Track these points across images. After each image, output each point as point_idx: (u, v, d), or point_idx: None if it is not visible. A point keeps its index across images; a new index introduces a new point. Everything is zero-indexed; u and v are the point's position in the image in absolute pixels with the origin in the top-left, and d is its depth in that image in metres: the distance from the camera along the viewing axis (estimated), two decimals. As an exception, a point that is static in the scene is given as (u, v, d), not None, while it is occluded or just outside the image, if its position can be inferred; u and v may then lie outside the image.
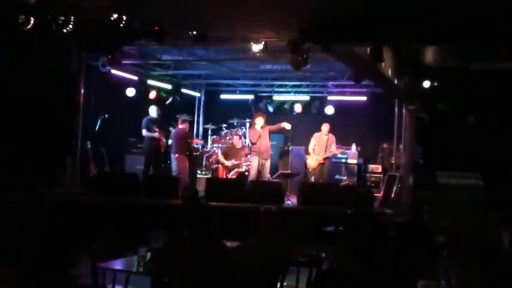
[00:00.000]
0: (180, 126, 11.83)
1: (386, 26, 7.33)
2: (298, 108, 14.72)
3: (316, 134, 12.21)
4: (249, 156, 11.76)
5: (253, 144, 11.18)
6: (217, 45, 9.86)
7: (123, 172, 11.81)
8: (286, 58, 9.34)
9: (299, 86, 14.86)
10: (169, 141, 11.82)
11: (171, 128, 12.10)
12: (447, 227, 6.19)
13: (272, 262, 4.76)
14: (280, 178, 11.60)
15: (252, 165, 11.20)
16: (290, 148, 13.02)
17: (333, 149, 11.97)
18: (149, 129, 11.23)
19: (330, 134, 12.11)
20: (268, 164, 11.29)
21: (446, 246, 5.32)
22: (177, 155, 11.51)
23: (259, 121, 11.20)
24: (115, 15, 7.41)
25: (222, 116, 14.23)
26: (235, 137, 12.37)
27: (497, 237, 4.93)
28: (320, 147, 12.01)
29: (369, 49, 8.21)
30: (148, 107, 11.81)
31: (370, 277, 3.96)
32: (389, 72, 9.69)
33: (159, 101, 12.99)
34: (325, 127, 12.13)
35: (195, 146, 13.14)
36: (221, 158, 12.04)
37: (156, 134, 11.23)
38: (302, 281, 5.55)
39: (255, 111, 13.49)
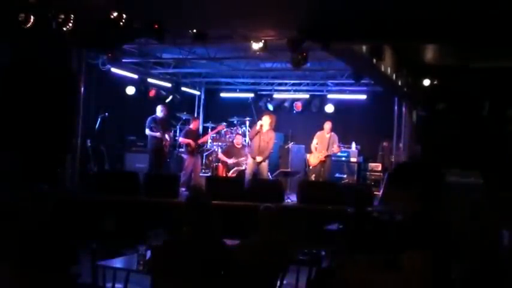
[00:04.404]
0: (192, 125, 11.94)
1: (386, 25, 7.33)
2: (298, 106, 14.74)
3: (318, 133, 12.21)
4: (248, 155, 11.81)
5: (250, 140, 11.19)
6: (217, 43, 9.86)
7: (123, 170, 11.81)
8: (286, 56, 9.35)
9: (299, 85, 14.86)
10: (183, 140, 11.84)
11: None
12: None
13: (272, 260, 4.76)
14: (280, 176, 11.61)
15: (248, 163, 11.19)
16: (290, 146, 13.03)
17: (335, 148, 11.97)
18: (152, 129, 11.23)
19: (332, 133, 12.11)
20: (264, 165, 11.01)
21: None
22: (194, 155, 11.60)
23: (263, 120, 11.12)
24: (115, 14, 7.41)
25: (222, 114, 14.23)
26: (238, 136, 12.37)
27: (497, 236, 4.92)
28: (322, 146, 12.01)
29: (368, 47, 8.22)
30: (148, 106, 11.84)
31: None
32: (389, 70, 9.70)
33: (158, 100, 13.00)
34: (327, 125, 12.13)
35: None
36: (222, 156, 12.05)
37: (158, 134, 11.21)
38: (302, 280, 5.55)
39: (255, 110, 13.55)
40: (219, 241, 4.45)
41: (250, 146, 11.20)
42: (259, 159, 10.81)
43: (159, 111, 11.46)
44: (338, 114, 14.17)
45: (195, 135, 11.87)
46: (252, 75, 14.68)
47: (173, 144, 13.52)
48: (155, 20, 7.78)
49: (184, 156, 11.83)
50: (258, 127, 10.93)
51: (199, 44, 9.63)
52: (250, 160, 11.04)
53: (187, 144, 11.62)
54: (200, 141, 11.92)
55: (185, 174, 11.47)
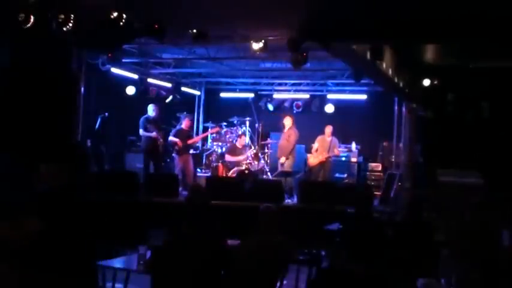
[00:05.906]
0: (184, 124, 11.90)
1: (386, 24, 7.32)
2: (298, 106, 14.75)
3: (319, 137, 12.31)
4: (248, 155, 11.85)
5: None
6: (217, 43, 9.86)
7: (123, 170, 11.80)
8: (286, 56, 9.35)
9: (299, 85, 14.86)
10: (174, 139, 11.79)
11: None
12: (447, 225, 6.18)
13: (272, 260, 4.76)
14: (280, 176, 11.63)
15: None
16: (290, 146, 13.03)
17: (335, 151, 12.11)
18: (146, 129, 11.20)
19: (333, 137, 12.22)
20: (281, 161, 11.98)
21: (445, 245, 5.33)
22: (182, 155, 11.56)
23: (285, 121, 12.23)
24: (115, 14, 7.40)
25: (222, 114, 14.23)
26: (242, 138, 12.37)
27: (497, 236, 4.93)
28: (323, 148, 12.17)
29: (368, 47, 8.22)
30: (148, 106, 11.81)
31: (370, 276, 3.96)
32: (389, 70, 9.69)
33: (159, 100, 12.99)
34: (328, 129, 12.29)
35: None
36: (228, 157, 12.02)
37: (153, 134, 11.17)
38: (302, 280, 5.56)
39: (255, 110, 13.58)
40: (219, 241, 4.46)
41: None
42: (282, 160, 11.93)
43: (151, 110, 11.43)
44: (338, 114, 14.19)
45: (185, 135, 11.79)
46: (252, 75, 14.67)
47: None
48: (155, 20, 7.78)
49: (174, 155, 11.78)
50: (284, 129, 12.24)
51: (199, 44, 9.62)
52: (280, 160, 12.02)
53: (175, 144, 11.57)
54: (190, 141, 11.88)
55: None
